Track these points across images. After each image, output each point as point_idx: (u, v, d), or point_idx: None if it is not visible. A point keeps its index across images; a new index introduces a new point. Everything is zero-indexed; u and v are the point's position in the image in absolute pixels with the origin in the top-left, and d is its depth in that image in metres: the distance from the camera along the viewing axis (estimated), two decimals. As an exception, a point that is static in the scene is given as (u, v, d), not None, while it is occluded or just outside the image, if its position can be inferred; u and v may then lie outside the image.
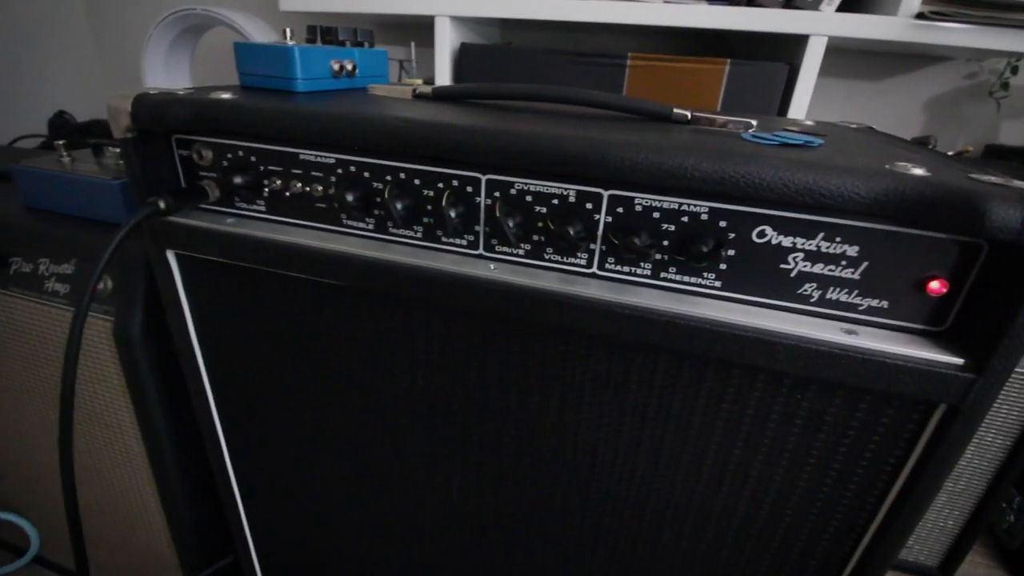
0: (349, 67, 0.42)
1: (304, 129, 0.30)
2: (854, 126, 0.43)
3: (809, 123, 0.42)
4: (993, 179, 0.24)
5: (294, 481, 0.45)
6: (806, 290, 0.27)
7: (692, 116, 0.34)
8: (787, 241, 0.26)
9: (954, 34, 0.68)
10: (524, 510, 0.38)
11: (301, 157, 0.32)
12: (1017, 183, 0.23)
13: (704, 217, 0.27)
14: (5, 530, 0.62)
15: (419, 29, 1.00)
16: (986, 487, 0.65)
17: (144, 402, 0.44)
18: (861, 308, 0.26)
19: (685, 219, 0.27)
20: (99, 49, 1.50)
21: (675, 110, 0.34)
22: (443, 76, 0.88)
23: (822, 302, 0.27)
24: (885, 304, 0.26)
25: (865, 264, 0.25)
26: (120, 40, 1.48)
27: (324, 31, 0.43)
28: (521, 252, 0.31)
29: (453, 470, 0.38)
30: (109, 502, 0.51)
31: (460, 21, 0.89)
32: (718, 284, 0.28)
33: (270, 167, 0.33)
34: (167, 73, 1.13)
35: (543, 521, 0.38)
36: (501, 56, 0.86)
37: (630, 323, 0.28)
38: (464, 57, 0.87)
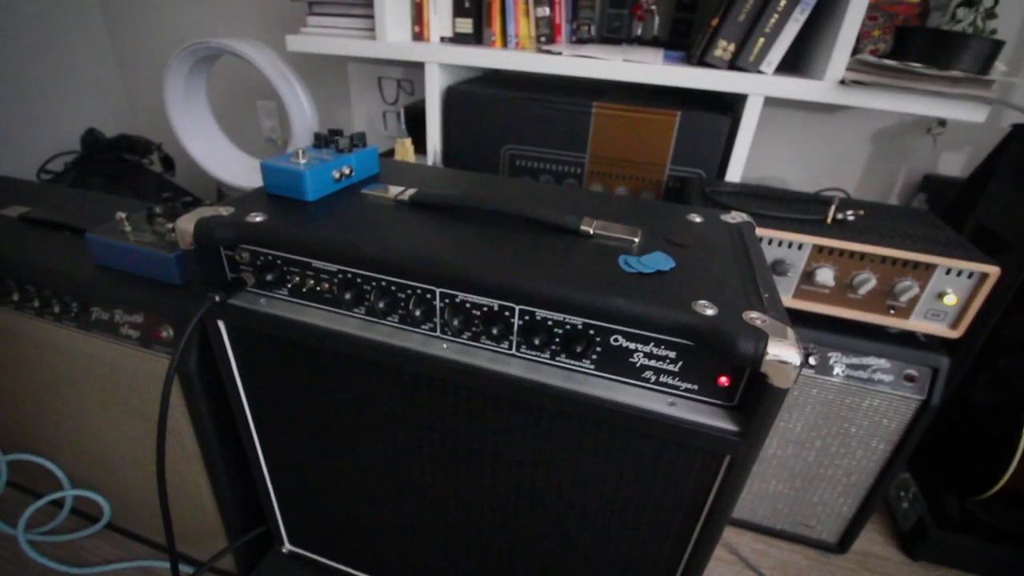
0: (347, 171, 0.55)
1: (311, 250, 0.44)
2: (737, 220, 0.55)
3: (697, 220, 0.54)
4: (760, 318, 0.36)
5: (312, 474, 0.60)
6: (646, 375, 0.40)
7: (593, 231, 0.47)
8: (631, 345, 0.39)
9: (873, 98, 0.78)
10: (473, 520, 0.53)
11: (313, 265, 0.46)
12: (773, 321, 0.36)
13: (580, 327, 0.40)
14: (84, 504, 0.79)
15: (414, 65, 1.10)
16: (873, 481, 0.79)
17: (199, 417, 0.59)
18: (681, 389, 0.40)
19: (568, 327, 0.40)
20: (123, 73, 1.61)
21: (581, 227, 0.47)
22: (433, 111, 1.00)
23: (657, 383, 0.40)
24: (696, 387, 0.39)
25: (681, 363, 0.39)
26: (141, 64, 1.59)
27: (327, 139, 0.56)
28: (465, 337, 0.44)
29: (431, 476, 0.53)
30: (174, 487, 0.68)
31: (447, 66, 0.99)
32: (592, 367, 0.41)
33: (291, 268, 0.47)
34: (186, 96, 1.25)
35: (490, 526, 0.53)
36: (481, 100, 0.97)
37: (535, 391, 0.42)
38: (450, 98, 0.98)
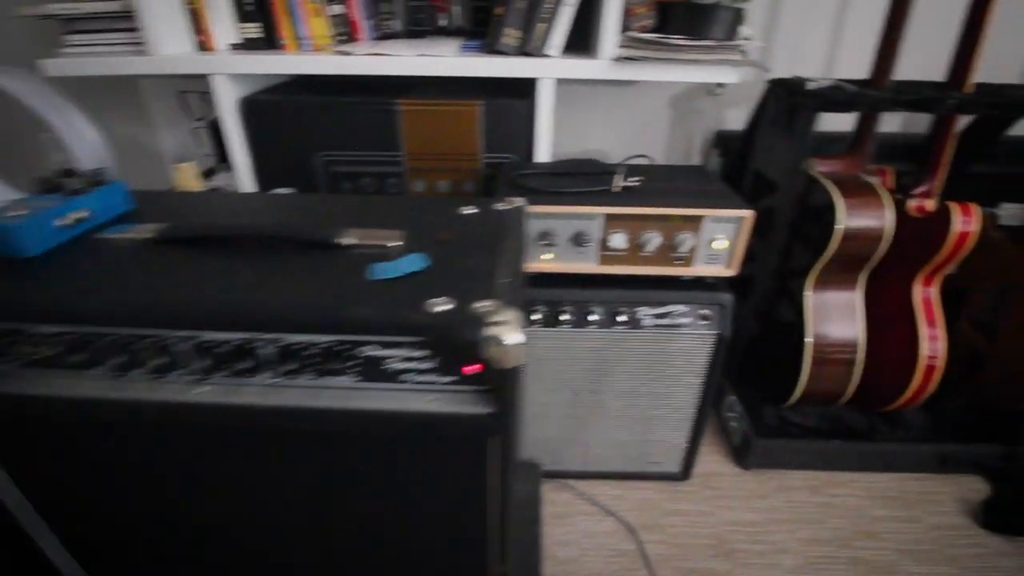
0: (84, 215, 0.50)
1: (20, 313, 0.39)
2: (510, 206, 0.58)
3: (470, 211, 0.56)
4: (486, 306, 0.39)
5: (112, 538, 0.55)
6: (407, 377, 0.42)
7: (351, 242, 0.47)
8: (385, 352, 0.40)
9: (644, 71, 0.86)
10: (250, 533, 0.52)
11: (32, 330, 0.41)
12: (499, 306, 0.39)
13: (328, 345, 0.40)
14: None
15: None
16: (696, 411, 0.89)
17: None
18: (441, 384, 0.42)
19: (317, 347, 0.40)
20: None
21: (337, 239, 0.47)
22: (232, 127, 0.93)
23: (418, 383, 0.42)
24: (455, 379, 0.42)
25: (435, 359, 0.41)
26: None
27: (55, 182, 0.50)
28: (222, 376, 0.43)
29: (231, 523, 0.51)
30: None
31: (240, 76, 0.93)
32: (359, 380, 0.42)
33: (4, 336, 0.42)
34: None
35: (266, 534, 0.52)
36: (282, 109, 0.92)
37: (303, 418, 0.42)
38: (249, 110, 0.93)
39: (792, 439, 0.99)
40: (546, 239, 0.76)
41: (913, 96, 0.80)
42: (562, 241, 0.77)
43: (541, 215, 0.75)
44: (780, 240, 0.97)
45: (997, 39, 1.08)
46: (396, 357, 0.41)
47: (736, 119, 1.19)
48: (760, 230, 1.00)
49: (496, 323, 0.37)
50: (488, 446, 0.43)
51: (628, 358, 0.83)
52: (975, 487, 0.97)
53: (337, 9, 0.98)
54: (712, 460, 1.02)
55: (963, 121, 0.90)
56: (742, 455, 1.00)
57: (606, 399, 0.88)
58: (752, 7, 1.06)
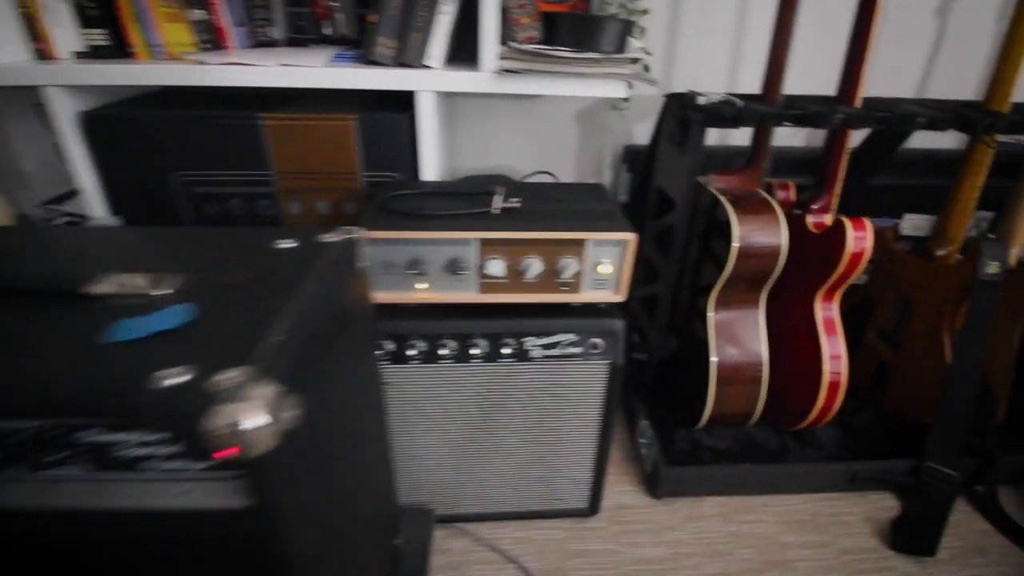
0: None
1: None
2: (338, 238, 0.51)
3: (287, 245, 0.48)
4: (231, 379, 0.31)
5: None
6: (148, 464, 0.33)
7: (103, 291, 0.38)
8: (111, 438, 0.32)
9: (528, 84, 0.81)
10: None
11: None
12: (245, 380, 0.31)
13: (39, 430, 0.31)
14: None
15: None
16: (596, 444, 0.83)
17: None
18: (193, 471, 0.34)
19: (31, 432, 0.32)
20: None
21: (85, 288, 0.38)
22: (72, 146, 0.82)
23: (164, 472, 0.33)
24: (208, 464, 0.34)
25: (178, 443, 0.32)
26: None
27: None
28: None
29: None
30: None
31: (83, 89, 0.82)
32: (93, 469, 0.33)
33: None
34: None
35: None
36: (128, 124, 0.82)
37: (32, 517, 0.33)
38: (88, 126, 0.82)
39: (702, 465, 0.95)
40: (418, 267, 0.69)
41: (800, 111, 0.78)
42: (435, 269, 0.70)
43: (412, 241, 0.68)
44: (678, 259, 0.93)
45: (890, 53, 1.10)
46: (128, 442, 0.32)
47: (644, 134, 1.16)
48: (663, 248, 0.97)
49: (235, 400, 0.30)
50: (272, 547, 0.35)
51: (518, 392, 0.77)
52: (886, 504, 0.95)
53: (199, 15, 0.88)
54: (624, 490, 0.96)
55: (859, 135, 0.90)
56: (653, 484, 0.95)
57: (501, 436, 0.81)
58: (651, 21, 1.04)
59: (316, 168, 0.85)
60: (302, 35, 1.00)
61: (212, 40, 0.91)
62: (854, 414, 1.05)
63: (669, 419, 1.02)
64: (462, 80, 0.80)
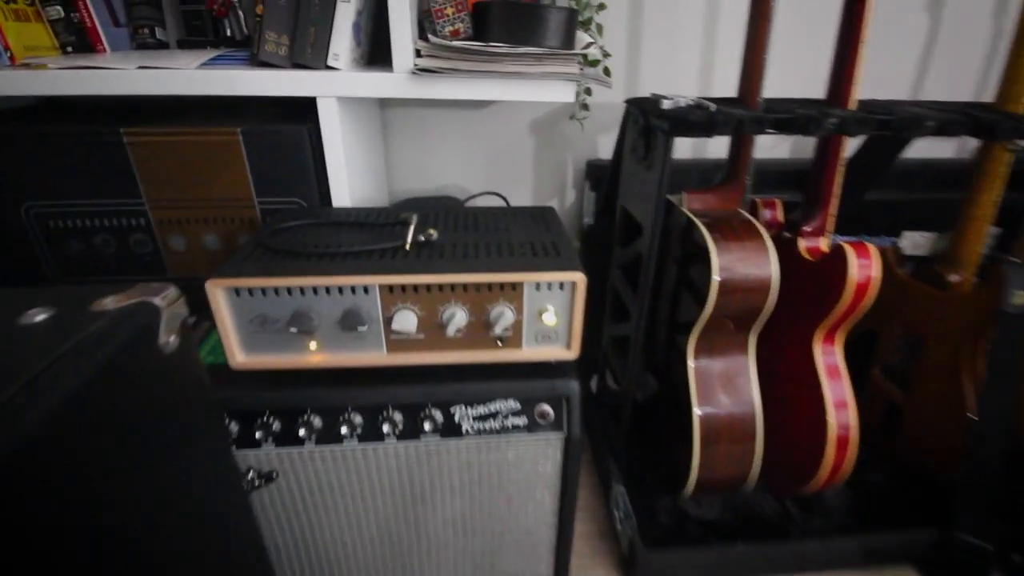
0: None
1: None
2: (122, 303, 0.35)
3: (39, 319, 0.32)
4: None
5: None
6: None
7: None
8: None
9: (455, 86, 0.65)
10: None
11: None
12: None
13: None
14: None
15: None
16: (554, 532, 0.66)
17: None
18: None
19: None
20: None
21: None
22: None
23: None
24: None
25: None
26: None
27: None
28: None
29: None
30: None
31: None
32: None
33: None
34: None
35: None
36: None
37: None
38: None
39: (689, 546, 0.78)
40: (303, 324, 0.52)
41: (784, 115, 0.64)
42: (327, 324, 0.53)
43: (292, 289, 0.51)
44: (649, 293, 0.78)
45: (880, 53, 0.98)
46: None
47: (609, 147, 1.02)
48: (632, 280, 0.81)
49: None
50: None
51: (449, 475, 0.60)
52: (906, 580, 0.79)
53: (56, 12, 0.72)
54: (597, 573, 0.79)
55: (852, 144, 0.76)
56: (630, 568, 0.78)
57: (432, 529, 0.64)
58: (610, 18, 0.90)
59: (198, 194, 0.69)
60: (199, 36, 0.84)
61: (79, 42, 0.75)
62: (865, 468, 0.89)
63: (649, 482, 0.85)
64: (370, 83, 0.65)
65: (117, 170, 0.67)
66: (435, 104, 0.96)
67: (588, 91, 0.94)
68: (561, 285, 0.54)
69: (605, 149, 1.02)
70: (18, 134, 0.66)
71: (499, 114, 0.98)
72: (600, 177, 0.99)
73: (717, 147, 1.02)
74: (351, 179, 0.71)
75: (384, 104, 0.95)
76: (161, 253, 0.73)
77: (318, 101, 0.65)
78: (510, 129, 1.00)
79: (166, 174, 0.67)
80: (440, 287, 0.52)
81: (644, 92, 0.98)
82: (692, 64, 0.97)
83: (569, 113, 0.97)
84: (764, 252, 0.68)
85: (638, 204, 0.77)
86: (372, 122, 0.88)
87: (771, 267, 0.68)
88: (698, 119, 0.63)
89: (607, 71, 0.92)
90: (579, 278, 0.53)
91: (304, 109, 0.67)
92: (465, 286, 0.52)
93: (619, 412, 0.90)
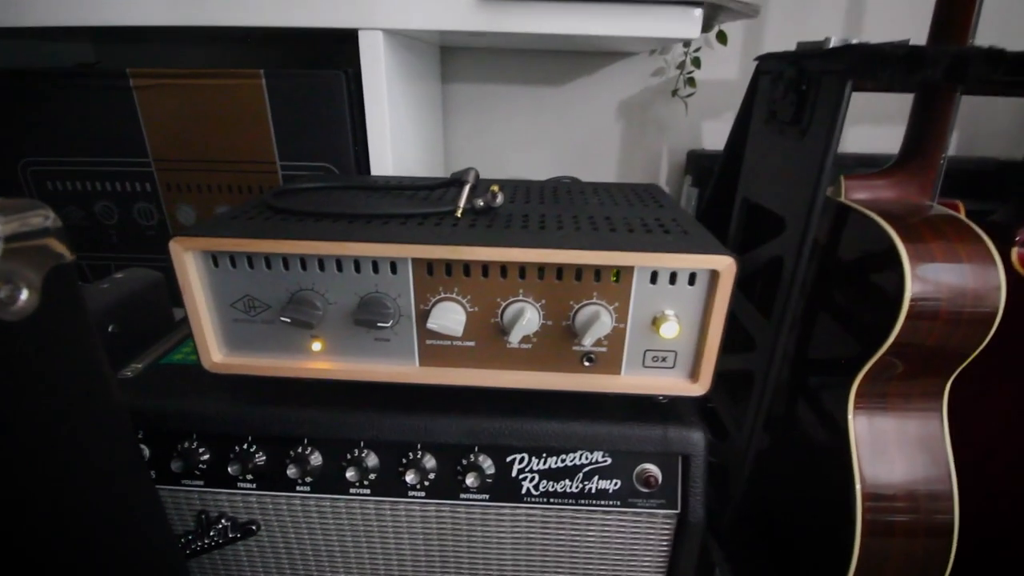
0: None
1: None
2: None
3: None
4: None
5: None
6: None
7: None
8: None
9: (530, 17, 0.49)
10: None
11: None
12: None
13: None
14: None
15: None
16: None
17: None
18: None
19: None
20: None
21: None
22: None
23: None
24: None
25: None
26: None
27: None
28: None
29: None
30: None
31: None
32: None
33: None
34: None
35: None
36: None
37: None
38: None
39: None
40: (303, 312, 0.35)
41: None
42: (336, 316, 0.36)
43: (289, 258, 0.35)
44: (789, 314, 0.56)
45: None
46: None
47: (714, 135, 0.82)
48: (759, 299, 0.60)
49: None
50: None
51: (499, 556, 0.41)
52: None
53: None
54: None
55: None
56: None
57: (467, 628, 0.44)
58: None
59: (211, 155, 0.56)
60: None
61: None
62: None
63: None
64: (426, 10, 0.49)
65: (122, 121, 0.55)
66: (503, 79, 0.80)
67: (696, 62, 0.76)
68: (692, 278, 0.34)
69: (711, 138, 0.82)
70: (16, 77, 0.56)
71: (581, 92, 0.81)
72: (704, 170, 0.79)
73: (854, 140, 0.80)
74: (395, 143, 0.55)
75: (445, 77, 0.81)
76: (168, 226, 0.60)
77: (360, 35, 0.50)
78: (592, 110, 0.82)
79: (175, 127, 0.55)
80: (503, 268, 0.34)
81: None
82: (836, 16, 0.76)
83: (670, 89, 0.78)
84: (987, 262, 0.46)
85: (776, 192, 0.56)
86: (429, 80, 0.73)
87: (1000, 284, 0.45)
88: (896, 52, 0.42)
89: (722, 35, 0.73)
90: (725, 264, 0.33)
91: (343, 48, 0.53)
92: (542, 269, 0.34)
93: (725, 475, 0.67)
